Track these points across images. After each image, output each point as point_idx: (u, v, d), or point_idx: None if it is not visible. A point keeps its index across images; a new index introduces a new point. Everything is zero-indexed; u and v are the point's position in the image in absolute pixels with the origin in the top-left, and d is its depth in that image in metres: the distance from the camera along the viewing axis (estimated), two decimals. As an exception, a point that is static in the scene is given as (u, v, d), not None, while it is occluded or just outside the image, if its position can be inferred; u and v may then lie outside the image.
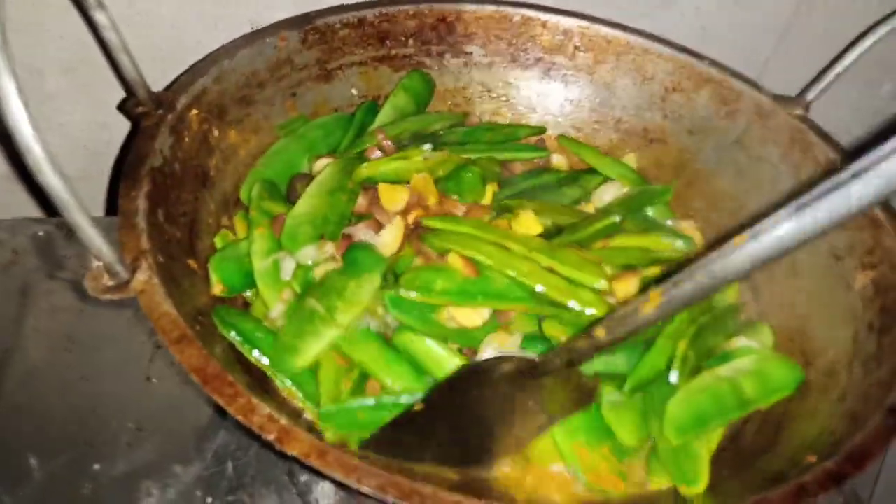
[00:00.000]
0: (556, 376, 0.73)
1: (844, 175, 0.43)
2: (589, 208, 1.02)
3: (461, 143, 1.05)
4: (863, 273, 0.87)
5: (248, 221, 0.90)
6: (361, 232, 0.87)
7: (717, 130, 1.07)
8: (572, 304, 0.81)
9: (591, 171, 1.10)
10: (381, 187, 0.91)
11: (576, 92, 1.15)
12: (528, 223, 0.90)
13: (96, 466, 0.90)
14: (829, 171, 0.95)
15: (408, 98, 1.09)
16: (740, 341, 0.89)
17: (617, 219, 0.92)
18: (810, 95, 1.00)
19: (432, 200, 0.92)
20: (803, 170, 0.98)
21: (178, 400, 0.97)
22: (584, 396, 0.76)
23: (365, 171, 0.93)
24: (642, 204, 1.03)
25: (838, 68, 0.97)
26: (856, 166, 0.42)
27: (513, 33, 1.14)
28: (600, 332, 0.63)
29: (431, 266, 0.84)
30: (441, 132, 1.09)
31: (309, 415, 0.78)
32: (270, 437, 0.59)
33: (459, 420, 0.74)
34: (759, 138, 1.02)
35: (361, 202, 0.92)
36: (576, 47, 1.13)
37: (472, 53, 1.14)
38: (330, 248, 0.85)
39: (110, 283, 0.68)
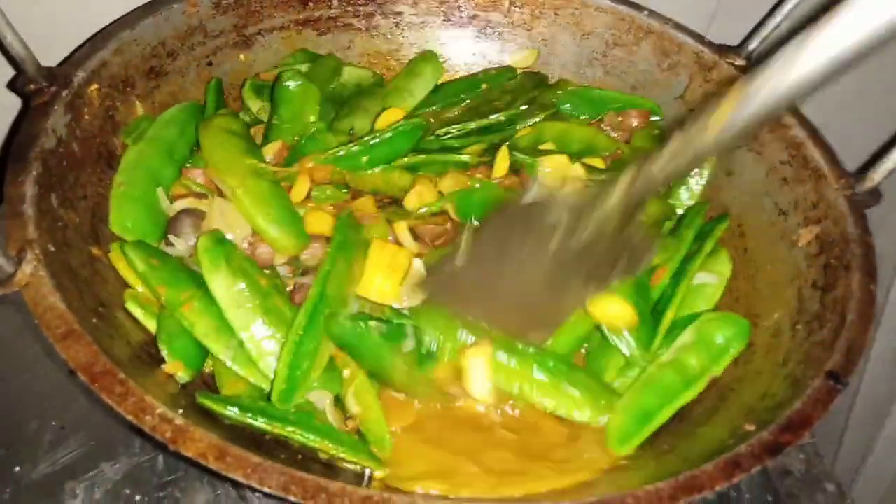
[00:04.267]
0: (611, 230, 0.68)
1: None
2: None
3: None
4: (807, 229, 0.83)
5: (154, 291, 0.75)
6: None
7: (659, 85, 1.02)
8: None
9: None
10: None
11: (513, 49, 1.10)
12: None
13: (17, 469, 0.85)
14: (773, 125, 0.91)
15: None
16: (698, 278, 0.86)
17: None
18: (752, 45, 0.96)
19: None
20: (747, 123, 0.94)
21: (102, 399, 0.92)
22: (638, 256, 0.72)
23: None
24: None
25: (779, 15, 0.93)
26: None
27: (445, -10, 1.08)
28: (655, 168, 0.60)
29: None
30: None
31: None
32: (164, 438, 0.55)
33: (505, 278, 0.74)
34: (701, 92, 0.98)
35: None
36: (511, 3, 1.08)
37: (402, 13, 1.08)
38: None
39: (-8, 278, 0.62)
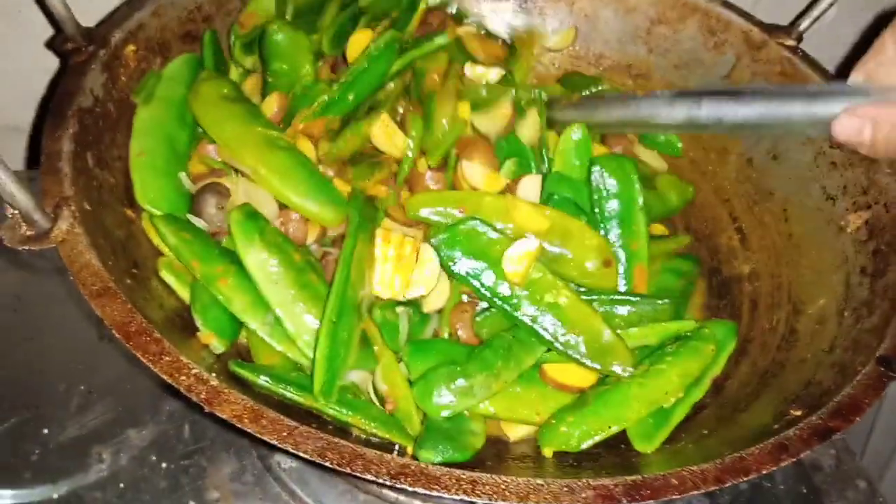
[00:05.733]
0: None
1: None
2: None
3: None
4: (856, 214, 0.81)
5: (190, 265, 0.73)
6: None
7: (704, 64, 0.99)
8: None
9: None
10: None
11: (554, 25, 1.07)
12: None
13: (45, 431, 0.85)
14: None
15: None
16: None
17: None
18: (803, 25, 0.93)
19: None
20: (795, 105, 0.91)
21: (134, 359, 0.91)
22: None
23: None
24: None
25: (833, -6, 0.90)
26: None
27: (486, -39, 1.06)
28: None
29: None
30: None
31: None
32: (199, 399, 0.54)
33: None
34: (749, 72, 0.95)
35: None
36: (553, -24, 1.05)
37: (442, -15, 1.06)
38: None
39: (29, 232, 0.62)
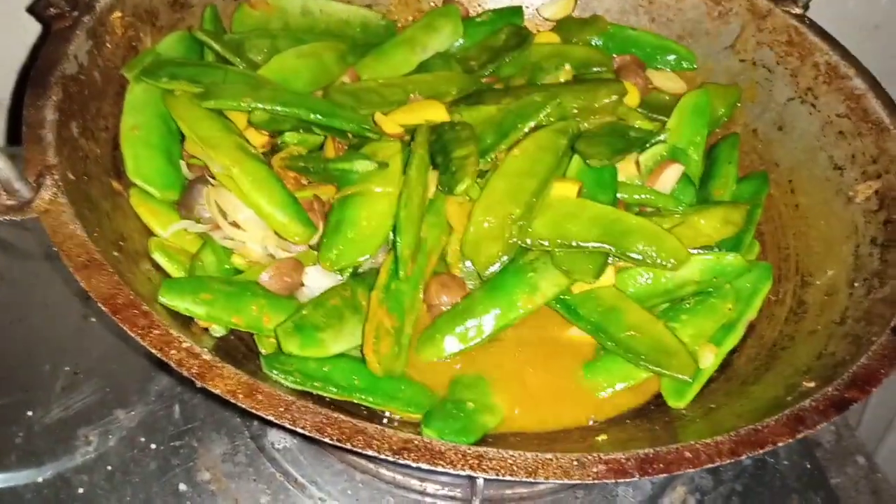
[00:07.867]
0: None
1: None
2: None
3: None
4: (865, 184, 0.79)
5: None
6: None
7: (708, 35, 0.97)
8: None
9: None
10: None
11: (552, -5, 1.04)
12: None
13: (29, 413, 0.83)
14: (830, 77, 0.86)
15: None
16: None
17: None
18: (810, -8, 0.91)
19: None
20: (801, 75, 0.89)
21: (120, 339, 0.89)
22: None
23: None
24: None
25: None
26: None
27: (485, -75, 1.02)
28: None
29: None
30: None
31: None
32: (191, 374, 0.51)
33: None
34: (754, 41, 0.93)
35: None
36: (552, -58, 1.02)
37: (440, -50, 1.03)
38: None
39: (9, 202, 0.59)
